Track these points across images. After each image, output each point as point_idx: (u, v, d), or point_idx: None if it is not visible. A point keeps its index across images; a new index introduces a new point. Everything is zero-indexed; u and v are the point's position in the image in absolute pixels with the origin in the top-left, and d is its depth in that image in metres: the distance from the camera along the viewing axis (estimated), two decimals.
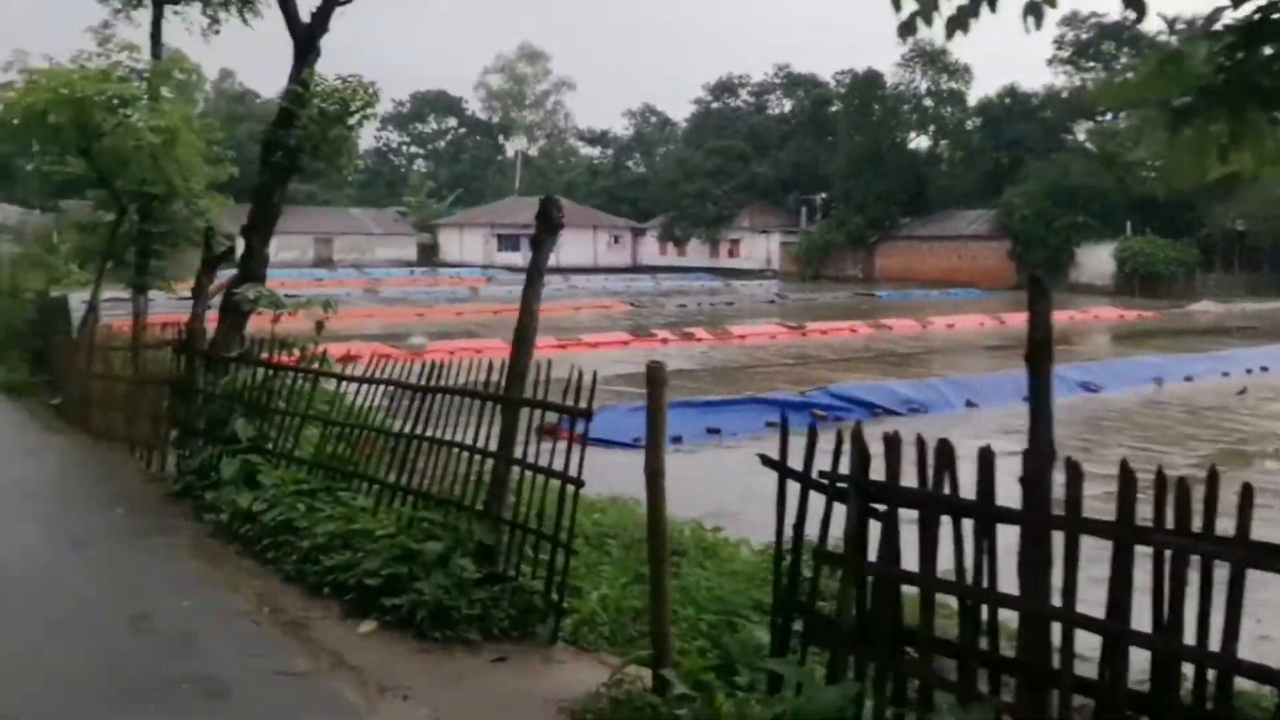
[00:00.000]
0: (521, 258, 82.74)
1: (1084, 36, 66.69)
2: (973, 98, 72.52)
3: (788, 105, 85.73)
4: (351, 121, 13.62)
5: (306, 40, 13.77)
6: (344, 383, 8.57)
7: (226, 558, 7.20)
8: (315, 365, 8.87)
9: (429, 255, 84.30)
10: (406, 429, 7.48)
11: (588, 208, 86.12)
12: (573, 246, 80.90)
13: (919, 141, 75.64)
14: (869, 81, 72.38)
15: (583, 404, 6.04)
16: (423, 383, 7.45)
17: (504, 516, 6.40)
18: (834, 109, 79.26)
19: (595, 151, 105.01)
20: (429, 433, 7.26)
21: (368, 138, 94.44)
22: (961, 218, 69.36)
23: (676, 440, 14.50)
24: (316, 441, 8.58)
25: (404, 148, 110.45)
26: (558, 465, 6.05)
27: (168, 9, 16.35)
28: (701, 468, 14.41)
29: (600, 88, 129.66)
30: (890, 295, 54.24)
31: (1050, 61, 68.91)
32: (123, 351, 11.77)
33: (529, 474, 6.39)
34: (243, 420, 8.78)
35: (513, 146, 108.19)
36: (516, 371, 6.56)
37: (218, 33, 17.58)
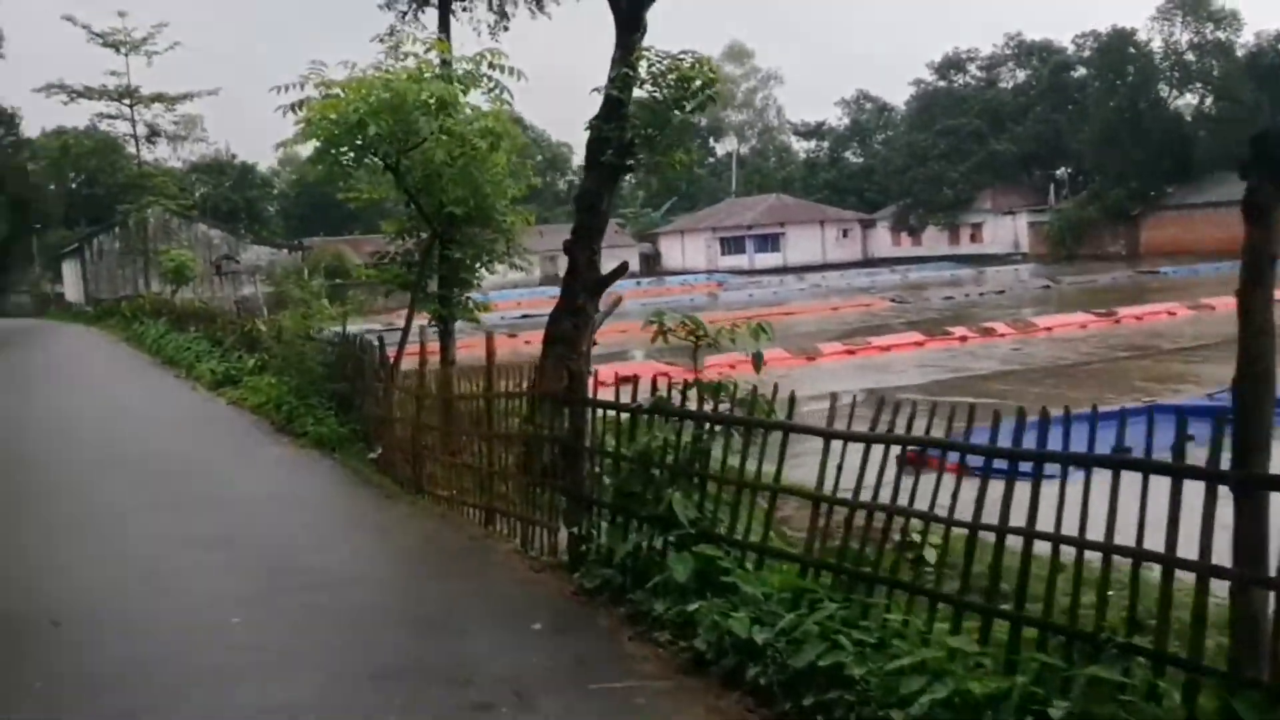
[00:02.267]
0: (747, 260, 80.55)
1: None
2: (1242, 47, 65.16)
3: (1021, 76, 79.76)
4: (691, 105, 11.37)
5: (631, 14, 11.63)
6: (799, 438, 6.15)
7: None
8: (763, 414, 6.48)
9: (650, 265, 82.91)
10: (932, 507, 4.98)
11: (811, 202, 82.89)
12: (799, 243, 77.96)
13: (1182, 101, 68.52)
14: (1120, 40, 66.06)
15: None
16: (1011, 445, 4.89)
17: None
18: (1076, 75, 73.12)
19: (810, 145, 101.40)
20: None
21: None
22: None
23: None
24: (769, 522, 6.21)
25: (532, 176, 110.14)
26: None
27: (455, 6, 14.69)
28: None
29: (809, 79, 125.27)
30: (1177, 271, 48.61)
31: None
32: (465, 398, 9.83)
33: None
34: (679, 495, 6.46)
35: (723, 148, 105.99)
36: (1261, 431, 3.89)
37: (506, 29, 15.98)
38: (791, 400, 6.28)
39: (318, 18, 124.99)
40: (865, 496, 5.53)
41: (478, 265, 14.05)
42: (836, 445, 5.70)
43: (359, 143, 10.84)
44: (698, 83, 11.28)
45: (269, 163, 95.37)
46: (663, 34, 11.40)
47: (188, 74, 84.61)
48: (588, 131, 11.81)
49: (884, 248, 79.54)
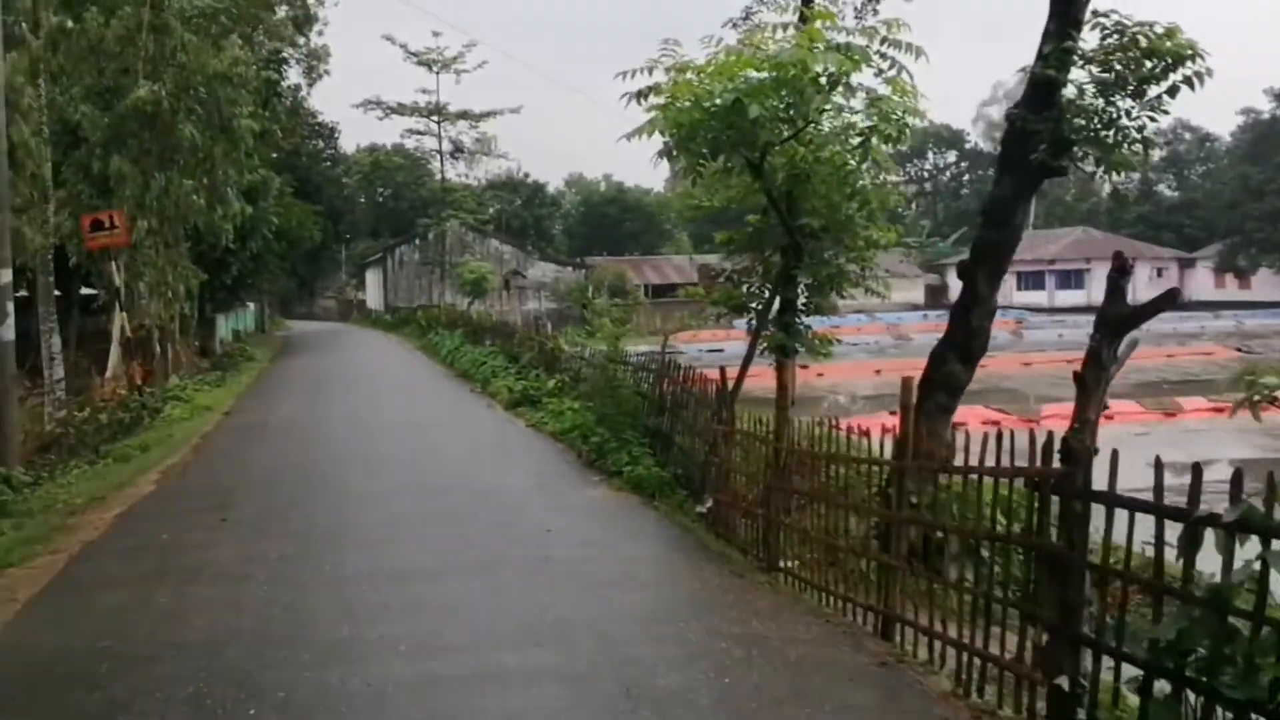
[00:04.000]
0: (1046, 297, 74.36)
1: None
2: None
3: None
4: (1157, 91, 8.61)
5: None
6: None
7: None
8: None
9: (936, 297, 78.38)
10: None
11: (1120, 237, 75.71)
12: (1105, 283, 70.96)
13: None
14: None
15: None
16: None
17: None
18: None
19: (1118, 176, 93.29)
20: None
21: None
22: None
23: None
24: None
25: (899, 186, 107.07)
26: None
27: None
28: None
29: None
30: None
31: None
32: (861, 462, 7.54)
33: None
34: None
35: None
36: None
37: (876, 12, 13.68)
38: None
39: (628, 35, 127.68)
40: None
41: (829, 289, 11.81)
42: None
43: (730, 130, 8.74)
44: (1163, 62, 8.54)
45: (556, 183, 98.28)
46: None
47: (487, 92, 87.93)
48: (1007, 122, 9.33)
49: (1205, 290, 71.54)
